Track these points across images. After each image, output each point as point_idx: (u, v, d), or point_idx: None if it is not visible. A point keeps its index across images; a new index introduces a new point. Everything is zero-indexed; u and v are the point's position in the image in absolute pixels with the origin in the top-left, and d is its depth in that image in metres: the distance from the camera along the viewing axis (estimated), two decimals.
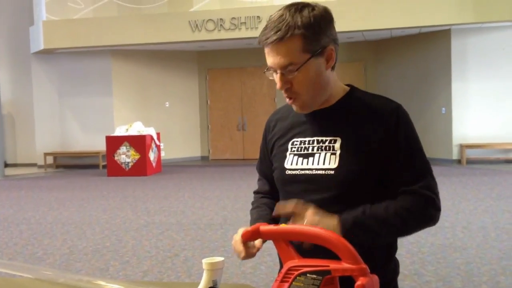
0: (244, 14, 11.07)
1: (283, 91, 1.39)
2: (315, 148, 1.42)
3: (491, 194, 7.18)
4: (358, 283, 0.96)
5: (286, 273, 1.04)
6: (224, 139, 14.04)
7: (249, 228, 1.11)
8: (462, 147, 11.04)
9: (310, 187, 1.41)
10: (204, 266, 1.16)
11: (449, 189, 7.68)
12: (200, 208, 6.79)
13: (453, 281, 3.66)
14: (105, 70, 12.65)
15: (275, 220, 1.51)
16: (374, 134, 1.36)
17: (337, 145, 1.39)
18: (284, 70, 1.34)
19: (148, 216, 6.38)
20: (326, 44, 1.36)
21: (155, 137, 11.25)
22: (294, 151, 1.46)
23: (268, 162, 1.59)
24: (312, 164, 1.41)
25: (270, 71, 1.38)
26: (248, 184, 9.04)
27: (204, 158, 14.04)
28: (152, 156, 11.09)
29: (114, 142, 10.85)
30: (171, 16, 11.42)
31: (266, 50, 1.35)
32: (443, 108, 11.34)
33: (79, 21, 11.97)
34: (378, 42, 12.96)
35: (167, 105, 13.45)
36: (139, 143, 10.78)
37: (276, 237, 1.09)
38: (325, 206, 1.37)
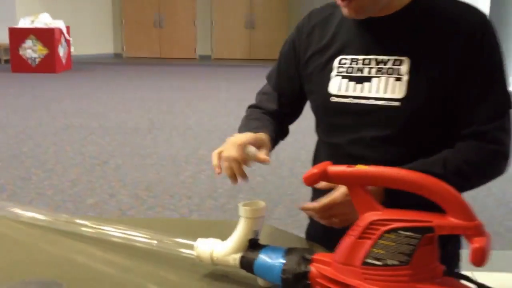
0: None
1: None
2: (373, 70, 1.10)
3: None
4: (476, 245, 0.72)
5: (367, 227, 0.78)
6: (139, 36, 13.25)
7: (314, 169, 0.81)
8: None
9: (365, 121, 1.11)
10: (243, 213, 0.87)
11: None
12: (122, 111, 6.34)
13: None
14: None
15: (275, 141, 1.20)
16: (451, 55, 1.05)
17: (404, 68, 1.07)
18: None
19: (65, 118, 5.87)
20: None
21: (64, 30, 10.32)
22: (342, 72, 1.14)
23: (292, 77, 1.26)
24: (369, 91, 1.10)
25: None
26: (170, 85, 8.62)
27: (117, 55, 13.23)
28: (61, 51, 10.22)
29: (18, 35, 9.86)
30: None
31: None
32: None
33: None
34: None
35: None
36: (47, 36, 9.85)
37: (351, 182, 0.81)
38: (383, 145, 1.11)
